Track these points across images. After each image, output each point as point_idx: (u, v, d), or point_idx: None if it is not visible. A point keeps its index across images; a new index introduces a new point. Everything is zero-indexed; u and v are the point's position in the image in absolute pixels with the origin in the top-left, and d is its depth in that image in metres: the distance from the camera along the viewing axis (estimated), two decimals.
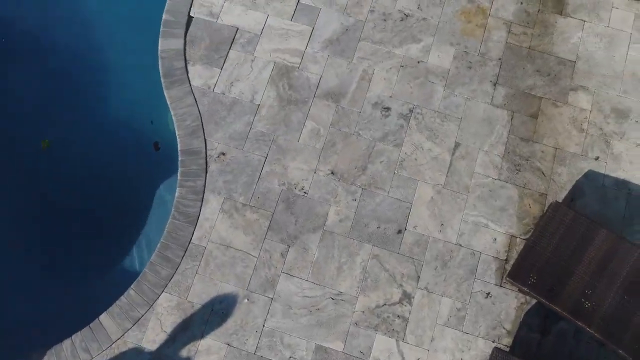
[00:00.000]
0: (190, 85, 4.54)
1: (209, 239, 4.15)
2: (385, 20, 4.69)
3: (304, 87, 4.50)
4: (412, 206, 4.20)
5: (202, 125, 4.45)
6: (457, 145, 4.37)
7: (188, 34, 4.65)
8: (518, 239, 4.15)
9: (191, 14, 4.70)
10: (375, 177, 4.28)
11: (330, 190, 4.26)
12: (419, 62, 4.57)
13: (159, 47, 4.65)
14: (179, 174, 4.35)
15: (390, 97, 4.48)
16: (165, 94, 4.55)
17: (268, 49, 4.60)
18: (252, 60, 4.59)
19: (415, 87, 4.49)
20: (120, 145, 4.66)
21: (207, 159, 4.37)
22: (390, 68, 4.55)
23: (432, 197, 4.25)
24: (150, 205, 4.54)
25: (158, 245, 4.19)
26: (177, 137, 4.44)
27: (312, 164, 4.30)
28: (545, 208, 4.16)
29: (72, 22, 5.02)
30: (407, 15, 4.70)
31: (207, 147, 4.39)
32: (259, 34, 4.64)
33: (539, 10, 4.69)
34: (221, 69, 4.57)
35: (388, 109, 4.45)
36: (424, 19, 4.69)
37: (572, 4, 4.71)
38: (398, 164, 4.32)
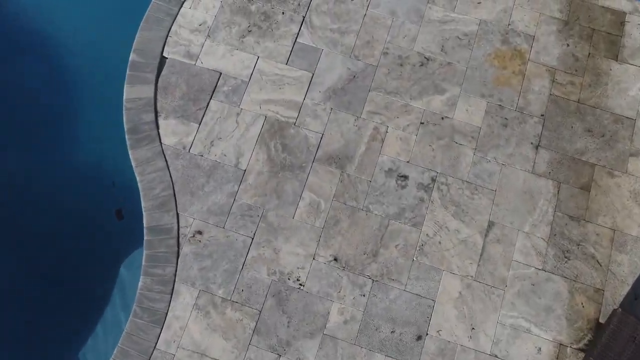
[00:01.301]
0: (161, 144, 3.62)
1: (179, 345, 3.23)
2: (401, 65, 3.77)
3: (301, 149, 3.58)
4: (436, 304, 3.28)
5: (175, 195, 3.53)
6: (490, 225, 3.45)
7: (160, 79, 3.72)
8: (569, 349, 3.22)
9: (164, 54, 3.79)
10: (389, 265, 3.37)
11: (332, 282, 3.34)
12: (442, 118, 3.65)
13: (124, 96, 3.71)
14: (143, 259, 3.43)
15: (408, 162, 3.56)
16: (130, 154, 3.65)
17: (257, 99, 3.68)
18: (238, 114, 3.67)
19: (439, 150, 3.57)
20: (77, 210, 3.75)
21: (180, 240, 3.45)
22: (408, 125, 3.63)
23: (460, 293, 3.33)
24: (109, 294, 3.64)
25: (115, 351, 3.28)
26: (143, 209, 3.52)
27: (311, 248, 3.37)
28: (603, 308, 3.25)
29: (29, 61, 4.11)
30: (427, 59, 3.77)
31: (180, 224, 3.48)
32: (247, 80, 3.71)
33: (589, 54, 3.75)
34: (199, 124, 3.65)
35: (405, 177, 3.54)
36: (448, 63, 3.77)
37: (630, 46, 3.78)
38: (418, 248, 3.40)
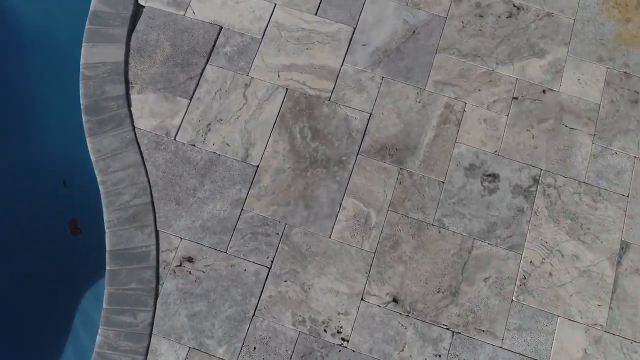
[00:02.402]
0: (134, 128, 2.48)
1: None
2: (481, 16, 2.63)
3: (339, 136, 2.45)
4: None
5: (153, 204, 2.39)
6: (624, 247, 2.29)
7: (133, 36, 2.57)
8: None
9: (140, 2, 2.66)
10: (477, 309, 2.21)
11: (392, 336, 2.19)
12: (544, 90, 2.52)
13: (81, 60, 2.56)
14: (104, 300, 2.30)
15: (497, 154, 2.43)
16: (88, 143, 2.51)
17: (275, 64, 2.55)
18: (247, 86, 2.54)
19: (541, 137, 2.41)
20: (16, 219, 2.59)
21: (160, 271, 2.31)
22: (494, 101, 2.51)
23: (585, 351, 2.20)
24: (61, 345, 2.49)
25: None
26: (105, 225, 2.39)
27: (358, 283, 2.18)
28: None
29: None
30: (518, 9, 2.63)
31: (160, 247, 2.33)
32: (259, 37, 2.58)
33: None
34: (190, 99, 2.51)
35: (494, 177, 2.41)
36: (548, 14, 2.61)
37: None
38: (518, 283, 2.25)
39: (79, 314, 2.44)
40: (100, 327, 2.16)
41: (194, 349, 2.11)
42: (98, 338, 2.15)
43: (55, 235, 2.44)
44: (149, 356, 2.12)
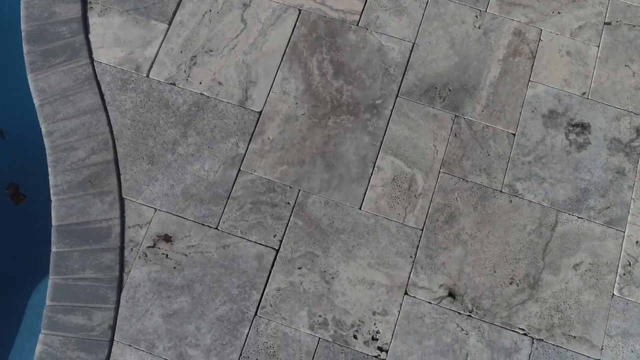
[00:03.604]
0: (93, 62, 1.82)
1: None
2: None
3: (372, 72, 1.77)
4: None
5: (117, 162, 1.76)
6: None
7: None
8: None
9: None
10: (564, 306, 1.54)
11: (448, 345, 1.56)
12: None
13: None
14: (47, 294, 1.67)
15: (586, 98, 1.78)
16: (29, 81, 1.86)
17: None
18: (246, 5, 1.88)
19: None
20: None
21: (125, 253, 1.70)
22: (580, 27, 1.83)
23: None
24: None
25: None
26: (51, 192, 1.75)
27: (400, 271, 1.53)
28: None
29: None
30: None
31: (127, 221, 1.73)
32: None
33: None
34: (169, 23, 1.86)
35: (583, 127, 1.75)
36: None
37: None
38: (620, 272, 1.63)
39: (22, 315, 1.82)
40: (42, 331, 1.54)
41: (171, 358, 1.51)
42: (38, 346, 1.50)
43: None
44: None
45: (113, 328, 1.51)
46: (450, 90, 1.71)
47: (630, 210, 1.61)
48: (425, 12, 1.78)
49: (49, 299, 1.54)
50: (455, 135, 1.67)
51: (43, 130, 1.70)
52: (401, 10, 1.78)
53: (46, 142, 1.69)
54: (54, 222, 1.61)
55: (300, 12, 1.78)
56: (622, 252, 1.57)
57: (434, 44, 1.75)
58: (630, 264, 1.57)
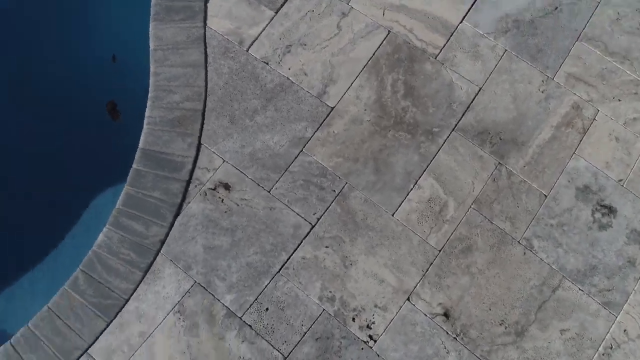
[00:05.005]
0: (205, 26, 2.09)
1: None
2: None
3: (437, 102, 1.92)
4: None
5: (204, 113, 1.99)
6: None
7: None
8: None
9: None
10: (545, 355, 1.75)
11: (428, 356, 1.65)
12: None
13: None
14: (119, 199, 1.91)
15: (622, 185, 1.81)
16: (150, 28, 2.11)
17: (383, 0, 2.13)
18: (344, 15, 2.09)
19: None
20: (54, 95, 2.22)
21: (190, 187, 1.93)
22: (634, 119, 1.91)
23: None
24: (61, 232, 2.15)
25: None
26: (145, 121, 1.98)
27: (409, 279, 1.68)
28: None
29: None
30: None
31: (199, 163, 1.95)
32: None
33: None
34: (276, 12, 2.08)
35: (610, 210, 1.82)
36: None
37: None
38: (601, 351, 1.63)
39: (90, 208, 2.10)
40: (107, 226, 1.80)
41: (199, 285, 1.72)
42: (100, 237, 1.77)
43: (92, 113, 2.09)
44: (148, 275, 1.74)
45: (162, 242, 1.76)
46: (501, 139, 1.85)
47: (628, 300, 1.69)
48: (498, 63, 1.92)
49: (119, 203, 1.81)
50: (494, 180, 1.81)
51: (152, 69, 1.97)
52: (478, 56, 1.93)
53: (151, 80, 1.96)
54: (140, 145, 1.88)
55: (389, 33, 1.97)
56: (609, 334, 1.66)
57: (498, 94, 1.90)
58: (612, 347, 1.66)
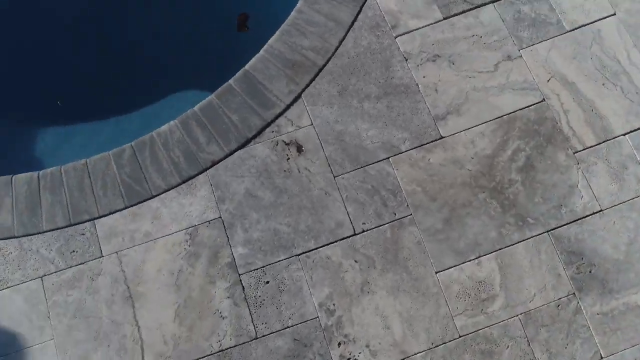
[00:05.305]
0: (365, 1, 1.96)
1: None
2: None
3: (549, 195, 1.58)
4: None
5: (318, 72, 1.81)
6: None
7: None
8: None
9: None
10: None
11: None
12: None
13: None
14: (198, 105, 1.86)
15: None
16: None
17: (555, 67, 1.85)
18: (509, 57, 1.75)
19: None
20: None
21: (265, 130, 1.81)
22: None
23: None
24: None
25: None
26: (262, 48, 1.85)
27: (416, 343, 1.48)
28: None
29: None
30: None
31: (287, 112, 1.79)
32: None
33: None
34: (445, 18, 1.80)
35: None
36: None
37: None
38: None
39: (177, 96, 2.08)
40: (175, 120, 1.74)
41: (222, 221, 1.63)
42: (164, 127, 1.72)
43: (221, 16, 2.05)
44: (183, 185, 1.68)
45: (213, 164, 1.70)
46: (590, 272, 1.60)
47: None
48: (635, 199, 1.65)
49: (197, 107, 1.76)
50: (558, 306, 1.57)
51: (298, 5, 1.89)
52: (619, 178, 1.65)
53: (292, 14, 1.88)
54: (246, 67, 1.81)
55: (542, 101, 1.74)
56: None
57: (616, 227, 1.63)
58: None
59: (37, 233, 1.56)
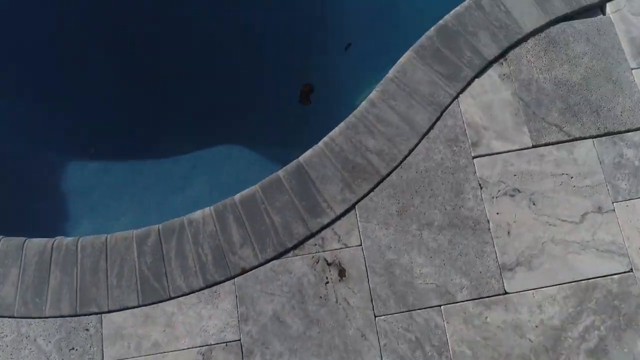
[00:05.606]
0: (457, 98, 1.68)
1: None
2: None
3: None
4: None
5: (380, 182, 1.65)
6: None
7: None
8: None
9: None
10: None
11: None
12: None
13: None
14: (238, 196, 1.64)
15: None
16: (409, 55, 1.74)
17: None
18: (600, 209, 1.46)
19: None
20: None
21: (305, 243, 1.60)
22: None
23: None
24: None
25: None
26: (323, 139, 1.67)
27: None
28: None
29: None
30: None
31: (335, 225, 1.57)
32: None
33: None
34: (534, 146, 1.54)
35: None
36: None
37: None
38: None
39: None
40: (210, 208, 1.52)
41: (241, 346, 1.41)
42: (197, 213, 1.55)
43: (286, 84, 1.81)
44: (206, 290, 1.44)
45: (245, 271, 1.46)
46: None
47: None
48: None
49: (237, 197, 1.56)
50: None
51: (371, 95, 1.64)
52: None
53: (363, 105, 1.63)
54: (300, 159, 1.57)
55: (629, 271, 1.48)
56: None
57: None
58: None
59: (39, 317, 1.39)
